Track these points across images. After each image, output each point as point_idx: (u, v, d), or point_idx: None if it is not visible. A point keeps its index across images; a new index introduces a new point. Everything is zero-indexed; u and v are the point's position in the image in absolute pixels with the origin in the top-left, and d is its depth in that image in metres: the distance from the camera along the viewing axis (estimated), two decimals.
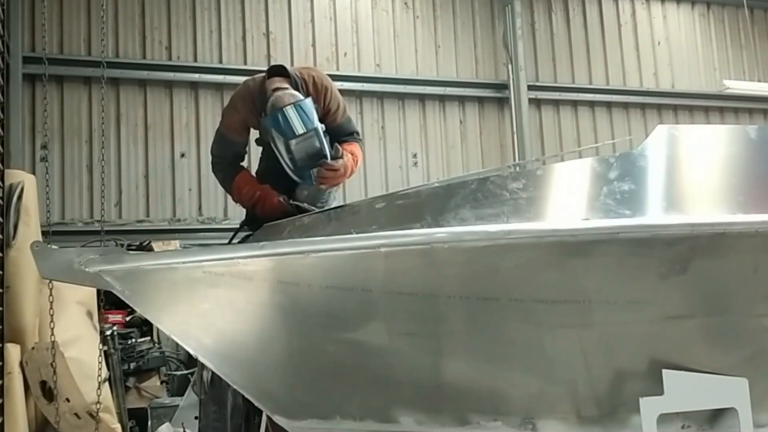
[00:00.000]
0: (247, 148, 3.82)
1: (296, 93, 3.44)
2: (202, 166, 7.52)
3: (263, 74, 3.63)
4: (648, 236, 2.32)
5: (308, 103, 3.38)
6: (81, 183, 7.28)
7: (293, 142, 3.30)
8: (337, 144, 3.60)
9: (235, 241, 3.73)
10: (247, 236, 3.42)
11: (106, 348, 5.22)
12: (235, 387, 2.70)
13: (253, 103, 3.57)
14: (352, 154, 3.64)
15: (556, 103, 9.30)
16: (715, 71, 10.18)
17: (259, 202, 3.61)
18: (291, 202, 3.55)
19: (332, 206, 3.25)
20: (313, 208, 3.56)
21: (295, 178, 3.50)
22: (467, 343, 2.50)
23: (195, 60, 7.79)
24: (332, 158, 3.49)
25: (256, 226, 3.52)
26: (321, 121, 3.49)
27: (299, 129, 3.29)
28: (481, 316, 2.42)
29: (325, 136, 3.46)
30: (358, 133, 3.80)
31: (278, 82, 3.51)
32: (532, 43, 9.27)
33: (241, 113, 3.64)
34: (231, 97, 3.78)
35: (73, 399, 4.29)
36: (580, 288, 2.38)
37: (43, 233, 4.65)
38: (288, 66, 3.65)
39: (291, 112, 3.31)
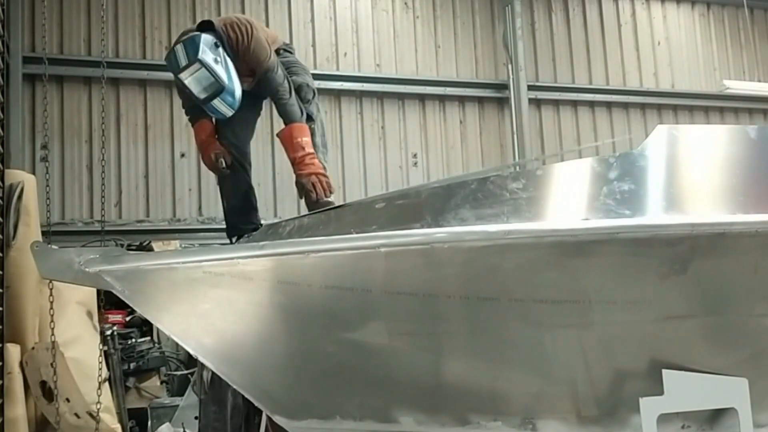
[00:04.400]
0: None
1: (192, 33, 3.69)
2: (202, 166, 7.44)
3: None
4: (648, 236, 2.32)
5: (198, 38, 3.59)
6: (81, 183, 7.28)
7: (182, 75, 3.55)
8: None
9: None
10: (247, 236, 3.43)
11: (106, 348, 5.22)
12: (235, 387, 2.70)
13: None
14: (316, 169, 3.80)
15: (556, 103, 9.30)
16: (715, 71, 10.18)
17: (202, 151, 4.03)
18: (220, 159, 3.92)
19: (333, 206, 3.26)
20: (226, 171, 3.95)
21: (211, 114, 3.79)
22: (467, 343, 2.50)
23: None
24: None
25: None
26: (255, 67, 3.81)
27: (183, 62, 3.53)
28: (481, 316, 2.42)
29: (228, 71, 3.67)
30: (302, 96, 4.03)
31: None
32: (532, 43, 9.27)
33: None
34: None
35: (73, 399, 4.29)
36: (580, 288, 2.38)
37: (43, 233, 4.65)
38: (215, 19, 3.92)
39: (177, 49, 3.59)
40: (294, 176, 3.84)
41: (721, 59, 10.28)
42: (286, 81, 3.93)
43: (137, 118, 7.57)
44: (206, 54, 3.56)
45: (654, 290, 2.40)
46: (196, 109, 3.99)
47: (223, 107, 3.65)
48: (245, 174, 4.15)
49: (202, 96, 3.58)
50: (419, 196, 2.57)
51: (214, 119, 3.99)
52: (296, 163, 3.79)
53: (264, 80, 3.90)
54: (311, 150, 3.79)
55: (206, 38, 3.61)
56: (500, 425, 2.57)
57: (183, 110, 4.24)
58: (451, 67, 8.88)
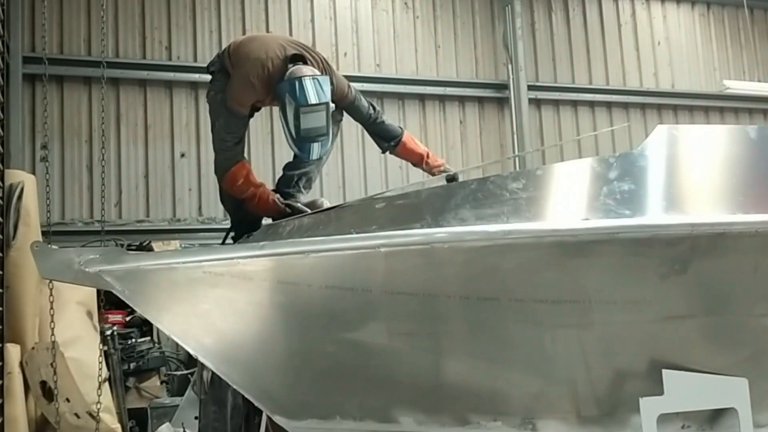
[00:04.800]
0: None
1: (316, 70, 3.68)
2: (202, 166, 7.52)
3: (279, 57, 3.70)
4: (648, 236, 2.32)
5: (325, 80, 3.60)
6: (81, 183, 7.27)
7: (303, 110, 3.47)
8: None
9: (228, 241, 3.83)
10: (247, 236, 3.43)
11: (106, 348, 5.22)
12: (235, 387, 2.70)
13: (271, 86, 3.66)
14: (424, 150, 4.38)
15: (556, 103, 9.29)
16: (715, 71, 10.18)
17: (253, 199, 3.71)
18: (284, 202, 3.72)
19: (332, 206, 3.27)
20: (306, 208, 3.70)
21: (293, 149, 3.66)
22: (467, 343, 2.50)
23: (195, 60, 7.78)
24: (393, 145, 4.28)
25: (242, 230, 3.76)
26: (338, 101, 3.84)
27: (312, 99, 3.47)
28: (481, 316, 2.42)
29: (336, 125, 3.86)
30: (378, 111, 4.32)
31: (307, 69, 3.68)
32: (532, 43, 9.26)
33: (257, 93, 3.73)
34: (241, 73, 3.77)
35: (73, 399, 4.30)
36: (580, 288, 2.38)
37: (43, 233, 4.65)
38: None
39: (308, 83, 3.50)
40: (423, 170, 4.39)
41: (721, 59, 10.28)
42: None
43: (137, 118, 7.57)
44: (330, 99, 3.58)
45: (654, 290, 2.40)
46: (241, 145, 3.78)
47: (316, 151, 3.59)
48: None
49: (307, 134, 3.50)
50: (419, 196, 2.57)
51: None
52: (429, 157, 4.36)
53: (352, 109, 4.09)
54: None
55: (329, 83, 3.61)
56: (500, 425, 2.57)
57: (217, 149, 3.80)
58: (451, 67, 8.87)
